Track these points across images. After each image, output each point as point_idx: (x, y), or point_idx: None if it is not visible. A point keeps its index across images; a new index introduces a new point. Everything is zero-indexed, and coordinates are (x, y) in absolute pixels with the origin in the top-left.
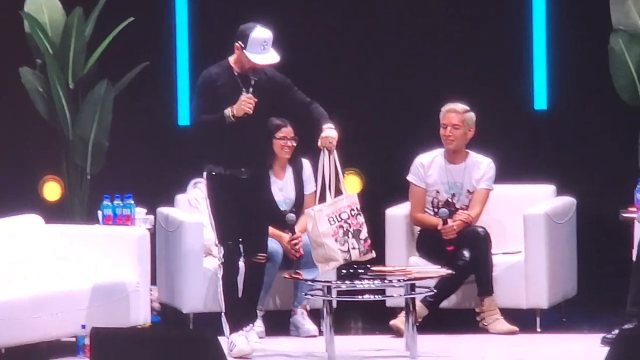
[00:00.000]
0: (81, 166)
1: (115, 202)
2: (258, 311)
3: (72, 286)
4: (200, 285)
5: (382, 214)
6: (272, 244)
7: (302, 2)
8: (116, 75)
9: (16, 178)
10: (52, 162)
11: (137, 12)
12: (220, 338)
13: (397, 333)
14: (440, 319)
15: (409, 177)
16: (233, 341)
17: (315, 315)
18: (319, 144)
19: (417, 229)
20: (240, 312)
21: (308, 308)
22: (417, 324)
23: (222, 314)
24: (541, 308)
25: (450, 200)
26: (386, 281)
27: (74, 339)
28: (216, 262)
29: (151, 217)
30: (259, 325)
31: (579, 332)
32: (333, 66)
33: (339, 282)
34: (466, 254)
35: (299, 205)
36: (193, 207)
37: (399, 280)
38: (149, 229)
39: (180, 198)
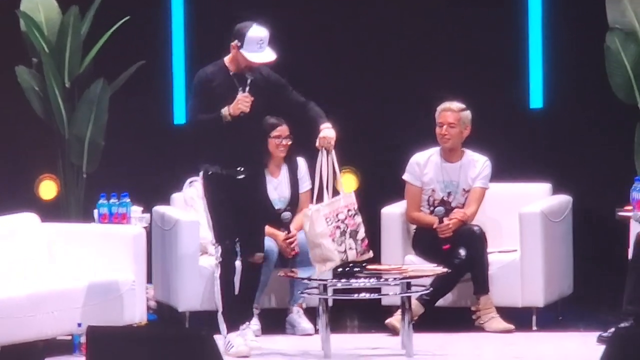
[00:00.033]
0: (77, 165)
1: (111, 200)
2: (254, 309)
3: (68, 285)
4: (196, 284)
5: (378, 212)
6: (268, 243)
7: (298, 2)
8: (112, 74)
9: (12, 177)
10: (48, 160)
11: (133, 11)
12: (216, 336)
13: (393, 331)
14: (436, 318)
15: (405, 176)
16: (230, 341)
17: (311, 313)
18: (317, 144)
19: (413, 227)
20: (237, 312)
21: (304, 306)
22: (413, 323)
23: (219, 313)
24: (537, 306)
25: (446, 198)
26: (382, 279)
27: (70, 338)
28: (212, 261)
29: (147, 215)
30: (254, 323)
31: (575, 331)
32: (329, 65)
33: (334, 280)
34: (462, 252)
35: (294, 204)
36: (189, 205)
37: (394, 279)
38: (144, 228)
39: (176, 197)
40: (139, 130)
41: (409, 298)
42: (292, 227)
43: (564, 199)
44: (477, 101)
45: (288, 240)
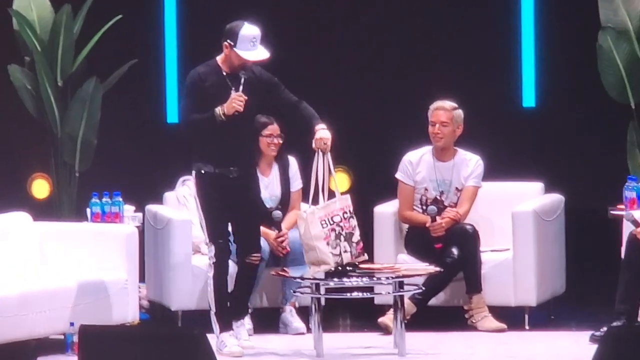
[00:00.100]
0: (70, 164)
1: (104, 199)
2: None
3: (60, 284)
4: (189, 283)
5: (371, 211)
6: None
7: (289, 1)
8: (105, 72)
9: (4, 175)
10: (40, 159)
11: (126, 10)
12: (208, 335)
13: (386, 330)
14: (429, 317)
15: (398, 175)
16: (224, 340)
17: (304, 312)
18: (314, 145)
19: (406, 226)
20: (230, 311)
21: (297, 305)
22: (406, 322)
23: (212, 313)
24: (529, 305)
25: (438, 197)
26: (374, 279)
27: (62, 337)
28: (205, 260)
29: (140, 214)
30: (247, 322)
31: (567, 330)
32: (321, 64)
33: (327, 279)
34: (455, 251)
35: (285, 203)
36: (181, 204)
37: (387, 278)
38: (137, 227)
39: (168, 195)
40: (131, 128)
41: (401, 297)
42: (283, 226)
43: (557, 198)
44: (469, 100)
45: (279, 240)
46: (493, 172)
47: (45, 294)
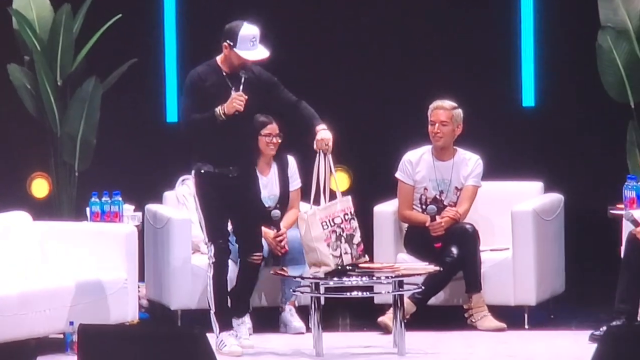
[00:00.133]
0: (69, 163)
1: (104, 199)
2: None
3: (60, 283)
4: (188, 282)
5: (370, 211)
6: None
7: (289, 1)
8: (104, 72)
9: (4, 175)
10: (40, 159)
11: (125, 9)
12: (208, 335)
13: (385, 330)
14: (428, 316)
15: (397, 174)
16: (223, 340)
17: (303, 312)
18: (315, 146)
19: (405, 225)
20: (231, 309)
21: (297, 304)
22: (405, 321)
23: (212, 312)
24: (529, 305)
25: (438, 197)
26: (374, 278)
27: (62, 336)
28: (204, 259)
29: (139, 214)
30: (247, 321)
31: (567, 329)
32: (322, 65)
33: (326, 278)
34: (454, 250)
35: (283, 202)
36: (181, 203)
37: (387, 277)
38: (137, 226)
39: (168, 195)
40: (131, 128)
41: (401, 296)
42: (282, 225)
43: (556, 198)
44: (469, 99)
45: (278, 239)
46: (493, 171)
47: (45, 294)
